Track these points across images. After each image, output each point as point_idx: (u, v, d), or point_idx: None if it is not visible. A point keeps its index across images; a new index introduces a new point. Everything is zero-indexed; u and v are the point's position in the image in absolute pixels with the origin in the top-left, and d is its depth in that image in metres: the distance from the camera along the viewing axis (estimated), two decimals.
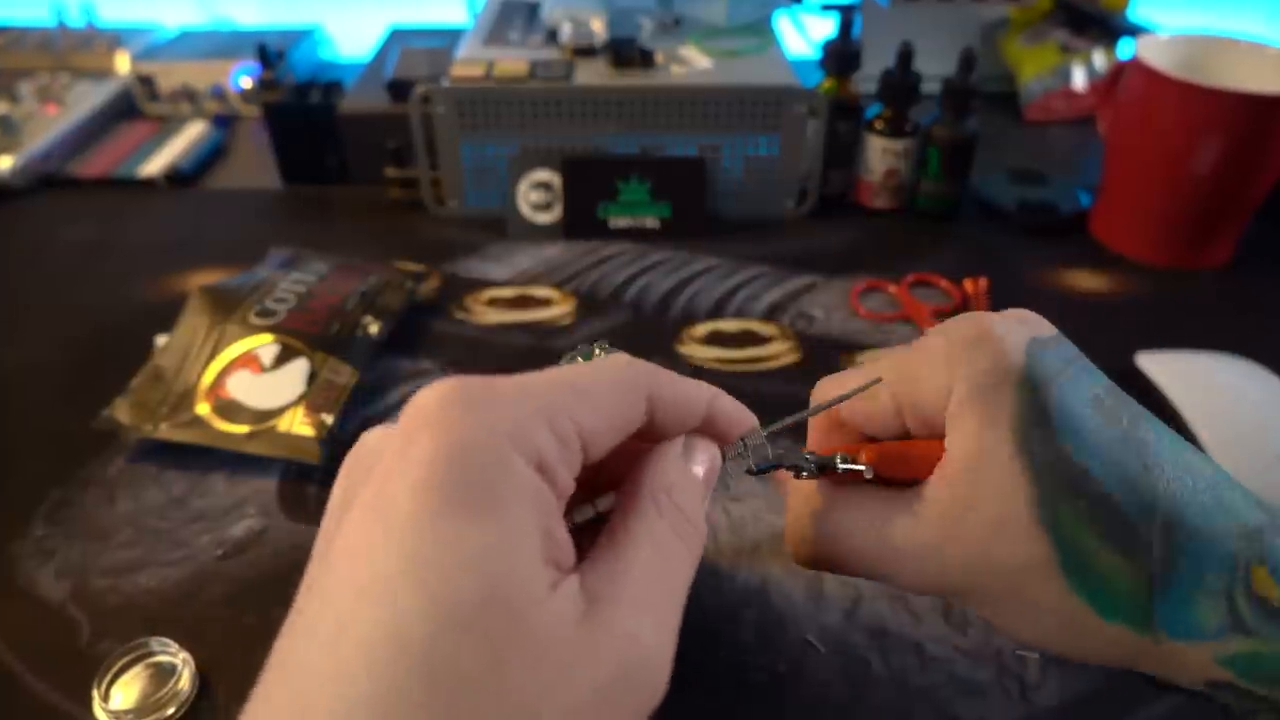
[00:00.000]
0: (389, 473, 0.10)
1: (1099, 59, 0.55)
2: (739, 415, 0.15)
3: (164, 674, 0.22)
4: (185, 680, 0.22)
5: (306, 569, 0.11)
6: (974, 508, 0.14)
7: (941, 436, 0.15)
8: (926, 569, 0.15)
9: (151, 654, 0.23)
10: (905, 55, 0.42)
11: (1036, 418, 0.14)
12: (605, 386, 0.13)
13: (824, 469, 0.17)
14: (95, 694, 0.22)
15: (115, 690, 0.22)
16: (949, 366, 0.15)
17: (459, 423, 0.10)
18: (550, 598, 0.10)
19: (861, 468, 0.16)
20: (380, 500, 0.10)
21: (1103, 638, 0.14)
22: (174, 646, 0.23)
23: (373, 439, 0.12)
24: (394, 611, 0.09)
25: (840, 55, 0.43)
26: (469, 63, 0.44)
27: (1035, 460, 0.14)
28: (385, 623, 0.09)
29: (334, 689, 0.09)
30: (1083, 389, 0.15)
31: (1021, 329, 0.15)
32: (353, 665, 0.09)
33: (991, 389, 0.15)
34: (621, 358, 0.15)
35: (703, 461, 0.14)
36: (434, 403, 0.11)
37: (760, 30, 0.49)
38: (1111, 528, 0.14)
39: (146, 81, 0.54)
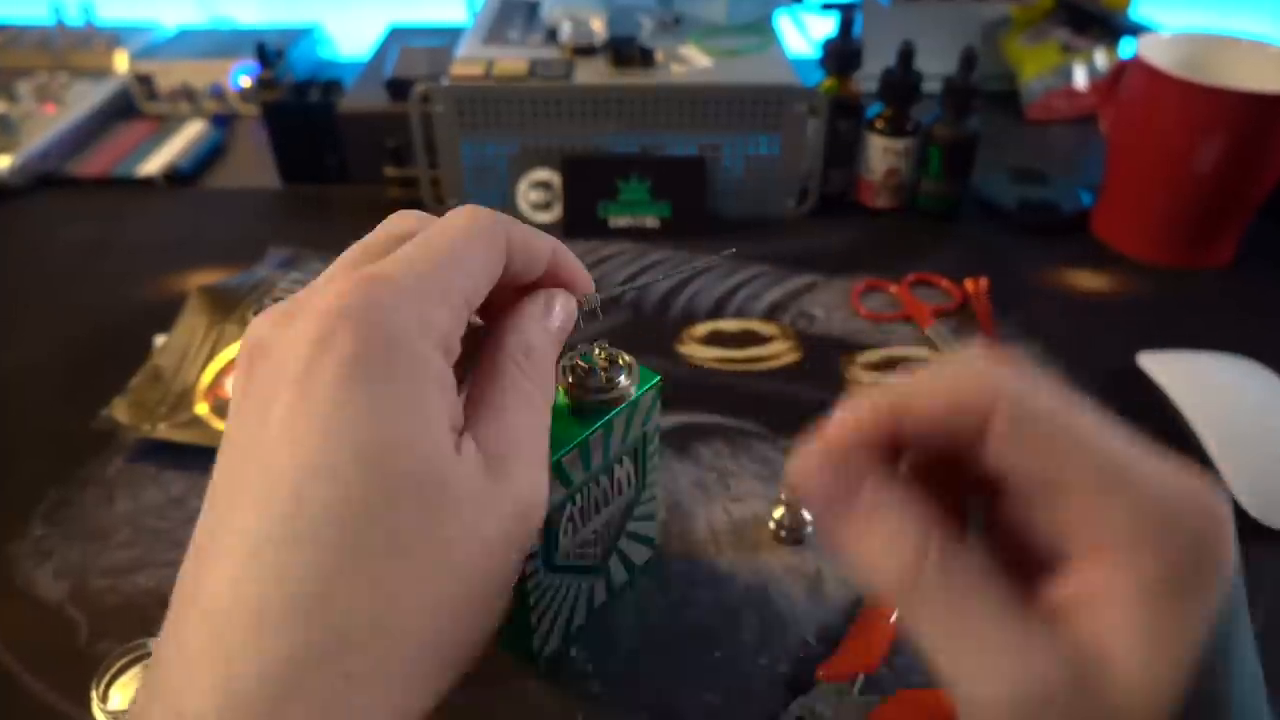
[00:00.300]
0: (315, 366, 0.12)
1: (1100, 58, 0.55)
2: (577, 267, 0.17)
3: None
4: None
5: (219, 464, 0.13)
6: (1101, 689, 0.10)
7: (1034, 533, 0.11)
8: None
9: (150, 654, 0.23)
10: (906, 54, 0.42)
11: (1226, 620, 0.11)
12: (478, 249, 0.14)
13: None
14: (94, 695, 0.22)
15: (114, 691, 0.22)
16: (993, 390, 0.11)
17: (375, 321, 0.12)
18: (460, 460, 0.12)
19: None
20: (313, 389, 0.12)
21: None
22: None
23: (274, 337, 0.13)
24: (346, 489, 0.11)
25: (841, 54, 0.43)
26: (468, 61, 0.44)
27: (1186, 647, 0.10)
28: (339, 497, 0.11)
29: (304, 554, 0.11)
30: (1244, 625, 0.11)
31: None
32: (319, 531, 0.11)
33: (1202, 568, 0.11)
34: (474, 212, 0.15)
35: (559, 316, 0.16)
36: (347, 300, 0.12)
37: (761, 29, 0.49)
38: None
39: (145, 80, 0.54)
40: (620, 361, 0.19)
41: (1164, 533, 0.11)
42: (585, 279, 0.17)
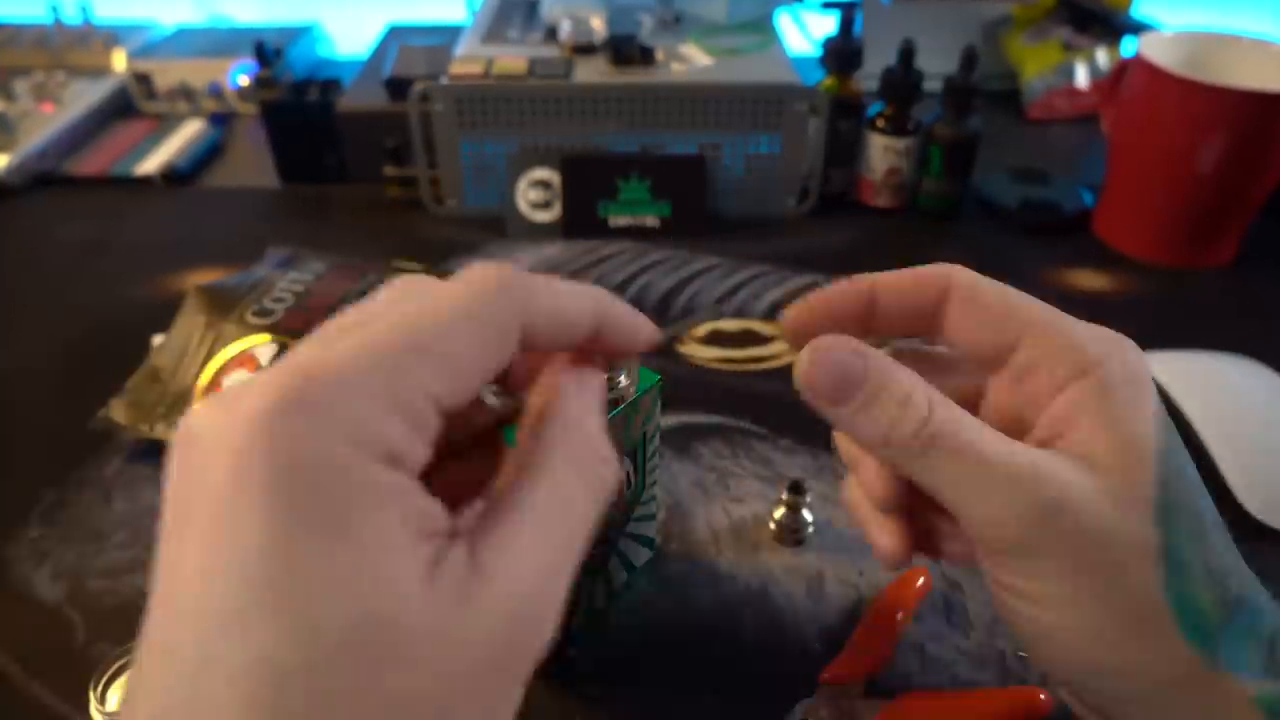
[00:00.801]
0: (226, 494, 0.10)
1: (1102, 57, 0.55)
2: (631, 321, 0.14)
3: None
4: None
5: (159, 550, 0.10)
6: (1089, 485, 0.13)
7: (1033, 396, 0.15)
8: (1021, 507, 0.13)
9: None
10: (907, 53, 0.42)
11: (1168, 422, 0.14)
12: (462, 336, 0.11)
13: None
14: (91, 696, 0.21)
15: (112, 692, 0.22)
16: (1083, 359, 0.14)
17: (294, 435, 0.10)
18: (425, 592, 0.10)
19: None
20: (224, 524, 0.10)
21: (1165, 650, 0.13)
22: None
23: (201, 429, 0.10)
24: (261, 644, 0.09)
25: (841, 53, 0.43)
26: (468, 60, 0.43)
27: (1166, 455, 0.14)
28: (255, 655, 0.09)
29: None
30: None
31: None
32: (227, 701, 0.09)
33: (1137, 380, 0.14)
34: (481, 281, 0.11)
35: (594, 391, 0.13)
36: (262, 410, 0.10)
37: (761, 28, 0.49)
38: (1211, 551, 0.14)
39: (143, 79, 0.54)
40: (620, 361, 0.19)
41: (1107, 353, 0.14)
42: (645, 332, 0.14)
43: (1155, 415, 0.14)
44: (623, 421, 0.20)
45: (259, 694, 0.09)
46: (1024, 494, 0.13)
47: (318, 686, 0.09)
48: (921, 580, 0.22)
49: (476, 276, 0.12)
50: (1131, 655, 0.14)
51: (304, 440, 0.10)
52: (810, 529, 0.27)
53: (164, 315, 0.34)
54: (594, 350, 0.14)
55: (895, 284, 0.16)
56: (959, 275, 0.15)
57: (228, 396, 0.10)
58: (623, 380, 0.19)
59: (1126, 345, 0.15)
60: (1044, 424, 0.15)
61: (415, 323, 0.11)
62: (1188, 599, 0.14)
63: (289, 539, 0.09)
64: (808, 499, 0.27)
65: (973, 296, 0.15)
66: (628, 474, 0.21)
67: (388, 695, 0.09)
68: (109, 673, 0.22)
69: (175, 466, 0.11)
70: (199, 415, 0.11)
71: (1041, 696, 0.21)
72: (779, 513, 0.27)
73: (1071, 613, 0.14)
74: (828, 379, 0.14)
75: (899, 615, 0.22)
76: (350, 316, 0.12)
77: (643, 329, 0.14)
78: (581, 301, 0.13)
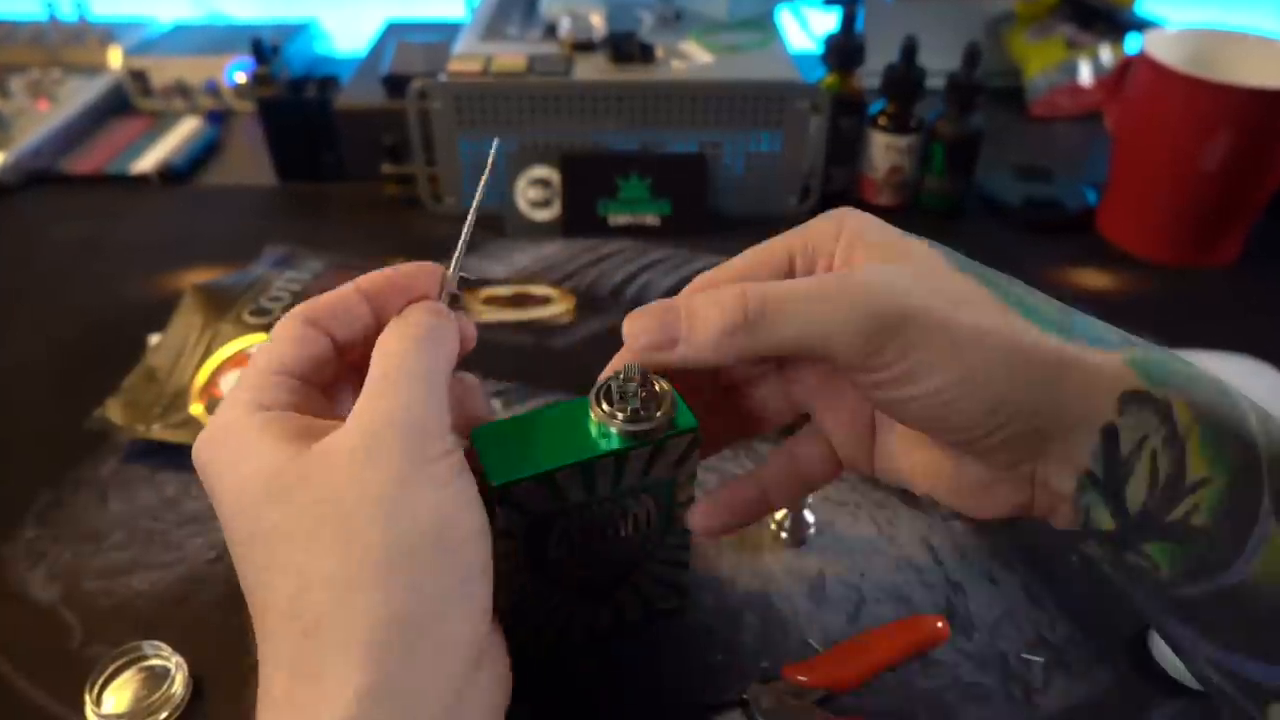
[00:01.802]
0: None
1: (1106, 54, 0.55)
2: (407, 277, 0.18)
3: (157, 678, 0.22)
4: (178, 684, 0.22)
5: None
6: (895, 261, 0.17)
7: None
8: (851, 301, 0.16)
9: (144, 657, 0.23)
10: (909, 50, 0.42)
11: (927, 240, 0.17)
12: (272, 344, 0.17)
13: None
14: (87, 698, 0.21)
15: (108, 694, 0.22)
16: (838, 219, 0.18)
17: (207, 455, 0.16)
18: (292, 455, 0.15)
19: None
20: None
21: (1039, 350, 0.16)
22: (167, 650, 0.22)
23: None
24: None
25: (843, 50, 0.43)
26: (466, 57, 0.43)
27: (938, 247, 0.17)
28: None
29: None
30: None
31: None
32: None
33: (884, 226, 0.18)
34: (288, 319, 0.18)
35: (416, 324, 0.17)
36: (203, 451, 0.16)
37: (762, 25, 0.49)
38: (1018, 284, 0.17)
39: (139, 77, 0.54)
40: (657, 394, 0.18)
41: (848, 217, 0.18)
42: (424, 275, 0.18)
43: (901, 232, 0.17)
44: (642, 458, 0.18)
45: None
46: (859, 297, 0.16)
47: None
48: (941, 624, 0.21)
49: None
50: (1002, 376, 0.15)
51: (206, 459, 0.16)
52: (812, 530, 0.27)
53: (160, 314, 0.33)
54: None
55: (798, 243, 0.18)
56: (848, 220, 0.18)
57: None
58: (654, 417, 0.18)
59: (846, 211, 0.18)
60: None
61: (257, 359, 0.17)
62: (1033, 309, 0.16)
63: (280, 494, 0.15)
64: (809, 499, 0.27)
65: (860, 232, 0.18)
66: (648, 511, 0.20)
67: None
68: (105, 674, 0.22)
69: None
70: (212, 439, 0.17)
71: (939, 624, 0.21)
72: (780, 514, 0.27)
73: (954, 367, 0.16)
74: (652, 334, 0.17)
75: (895, 653, 0.21)
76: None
77: (419, 273, 0.18)
78: (345, 292, 0.18)
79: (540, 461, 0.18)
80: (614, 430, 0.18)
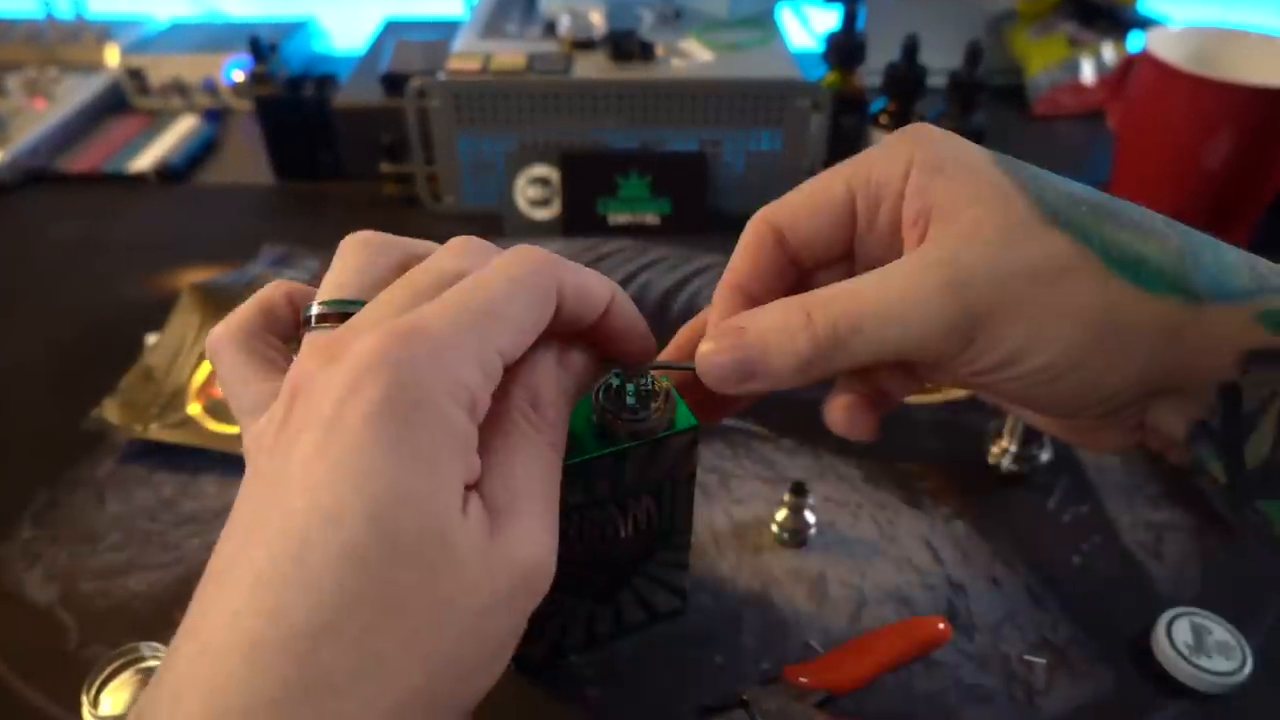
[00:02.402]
0: (341, 415, 0.12)
1: (1108, 52, 0.54)
2: (634, 322, 0.16)
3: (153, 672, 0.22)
4: None
5: (244, 491, 0.13)
6: (975, 230, 0.14)
7: (895, 224, 0.16)
8: (936, 302, 0.14)
9: (142, 659, 0.22)
10: (910, 48, 0.41)
11: (1011, 162, 0.15)
12: (522, 303, 0.14)
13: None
14: (84, 700, 0.21)
15: (105, 696, 0.22)
16: (907, 144, 0.16)
17: (405, 381, 0.12)
18: (465, 522, 0.13)
19: None
20: (337, 436, 0.12)
21: (1147, 317, 0.14)
22: (165, 651, 0.22)
23: (312, 376, 0.13)
24: (352, 538, 0.12)
25: (844, 48, 0.43)
26: (465, 56, 0.43)
27: (1023, 179, 0.15)
28: (345, 545, 0.12)
29: (304, 597, 0.11)
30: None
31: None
32: (320, 576, 0.11)
33: (960, 149, 0.15)
34: (528, 254, 0.14)
35: (576, 367, 0.16)
36: (380, 354, 0.12)
37: (762, 23, 0.48)
38: (1123, 224, 0.14)
39: (136, 75, 0.53)
40: (656, 392, 0.18)
41: (912, 142, 0.16)
42: (641, 336, 0.16)
43: (982, 152, 0.15)
44: (641, 456, 0.18)
45: (347, 575, 0.11)
46: (945, 298, 0.14)
47: (389, 576, 0.12)
48: (943, 626, 0.21)
49: (520, 254, 0.14)
50: (1110, 347, 0.14)
51: (409, 384, 0.12)
52: (813, 530, 0.26)
53: (158, 314, 0.33)
54: (601, 340, 0.16)
55: (881, 169, 0.16)
56: (920, 139, 0.16)
57: (328, 343, 0.13)
58: (652, 414, 0.18)
59: (915, 129, 0.16)
60: (911, 235, 0.15)
61: (483, 294, 0.13)
62: (1142, 270, 0.14)
63: (386, 459, 0.12)
64: (810, 500, 0.26)
65: (930, 159, 0.15)
66: (648, 512, 0.20)
67: (440, 594, 0.12)
68: (102, 676, 0.22)
69: (282, 409, 0.13)
70: (307, 363, 0.13)
71: (941, 626, 0.21)
72: (781, 514, 0.26)
73: (1051, 349, 0.14)
74: (731, 376, 0.15)
75: (896, 655, 0.21)
76: (424, 277, 0.14)
77: (643, 329, 0.16)
78: (601, 283, 0.15)
79: None
80: (614, 429, 0.18)
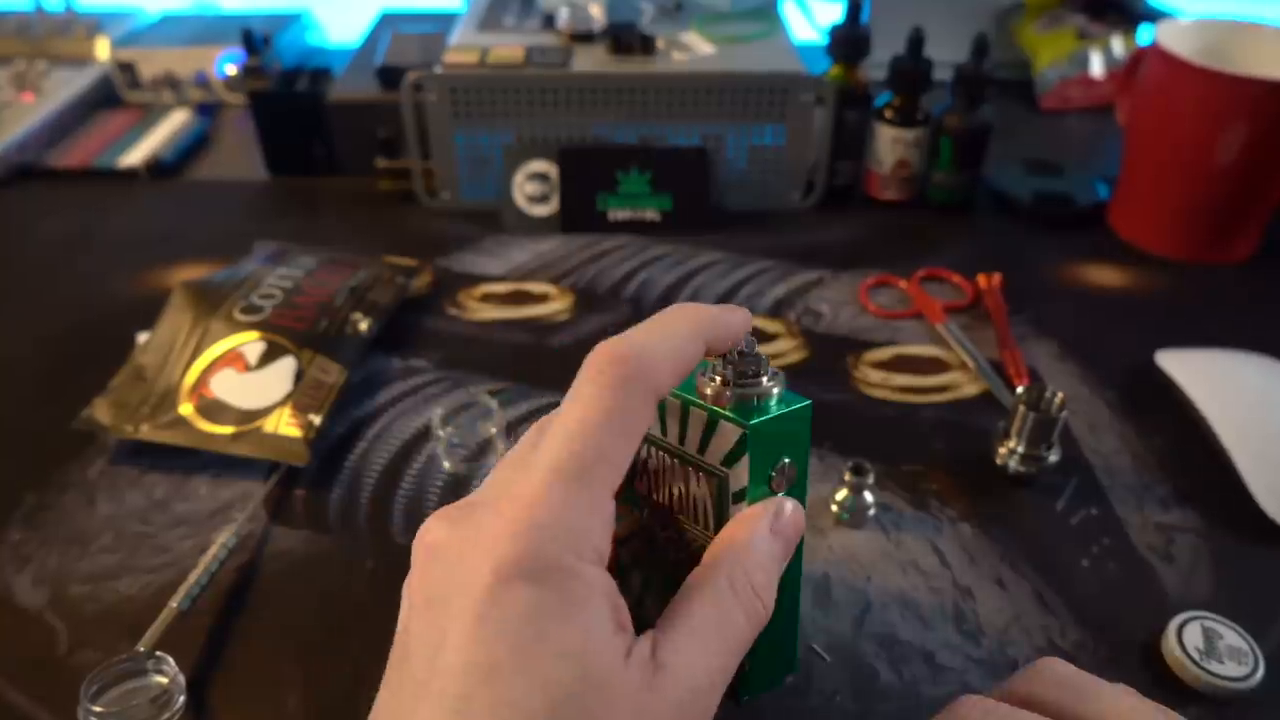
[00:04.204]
0: (490, 583, 0.13)
1: (1117, 45, 0.54)
2: (729, 319, 0.16)
3: (151, 686, 0.21)
4: (173, 693, 0.21)
5: (409, 622, 0.14)
6: None
7: None
8: None
9: (139, 666, 0.22)
10: (916, 41, 0.41)
11: None
12: (620, 439, 0.14)
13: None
14: (82, 698, 0.21)
15: (101, 702, 0.21)
16: None
17: (535, 549, 0.13)
18: (624, 668, 0.13)
19: None
20: (487, 604, 0.13)
21: None
22: (168, 662, 0.22)
23: (449, 546, 0.14)
24: (512, 693, 0.12)
25: (848, 41, 0.42)
26: (463, 49, 0.43)
27: None
28: (506, 701, 0.12)
29: None
30: None
31: None
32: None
33: None
34: (611, 381, 0.14)
35: (789, 526, 0.16)
36: (506, 531, 0.13)
37: (765, 15, 0.48)
38: None
39: (127, 68, 0.53)
40: (765, 365, 0.16)
41: None
42: (740, 316, 0.16)
43: None
44: (703, 426, 0.17)
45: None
46: None
47: None
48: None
49: (605, 376, 0.14)
50: None
51: (542, 552, 0.13)
52: (872, 511, 0.26)
53: (149, 312, 0.33)
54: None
55: None
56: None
57: (459, 516, 0.14)
58: (765, 383, 0.16)
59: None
60: None
61: (593, 435, 0.14)
62: None
63: (534, 618, 0.13)
64: (870, 479, 0.26)
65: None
66: (704, 504, 0.18)
67: None
68: (95, 682, 0.21)
69: (420, 575, 0.14)
70: (439, 530, 0.14)
71: None
72: (841, 493, 0.26)
73: None
74: None
75: None
76: (529, 436, 0.15)
77: (738, 316, 0.16)
78: (687, 335, 0.15)
79: None
80: (717, 394, 0.16)
